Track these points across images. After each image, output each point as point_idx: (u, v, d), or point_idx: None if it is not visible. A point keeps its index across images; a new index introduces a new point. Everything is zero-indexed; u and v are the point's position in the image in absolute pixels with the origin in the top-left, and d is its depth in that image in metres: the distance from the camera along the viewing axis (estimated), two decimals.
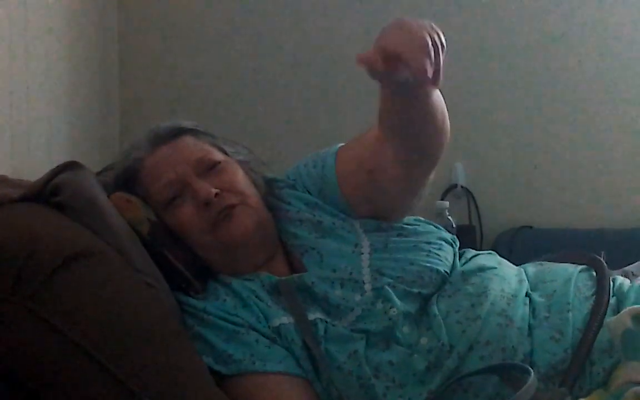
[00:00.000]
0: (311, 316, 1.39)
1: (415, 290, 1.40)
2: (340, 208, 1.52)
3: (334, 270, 1.44)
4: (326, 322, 1.39)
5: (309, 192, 1.56)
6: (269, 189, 1.58)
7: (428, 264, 1.42)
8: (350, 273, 1.43)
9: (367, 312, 1.38)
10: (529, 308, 1.38)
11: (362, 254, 1.45)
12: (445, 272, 1.43)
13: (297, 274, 1.46)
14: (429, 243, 1.48)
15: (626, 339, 1.26)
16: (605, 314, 1.33)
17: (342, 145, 1.57)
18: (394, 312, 1.37)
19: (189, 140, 1.55)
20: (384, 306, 1.38)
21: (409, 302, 1.38)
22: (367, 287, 1.41)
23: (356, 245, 1.47)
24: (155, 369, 1.21)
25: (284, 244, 1.54)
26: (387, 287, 1.39)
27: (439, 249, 1.47)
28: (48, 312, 1.17)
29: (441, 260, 1.44)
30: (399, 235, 1.49)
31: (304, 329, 1.37)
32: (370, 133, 1.48)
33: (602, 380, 1.29)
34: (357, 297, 1.40)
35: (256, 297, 1.43)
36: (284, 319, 1.39)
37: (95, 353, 1.18)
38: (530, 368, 1.24)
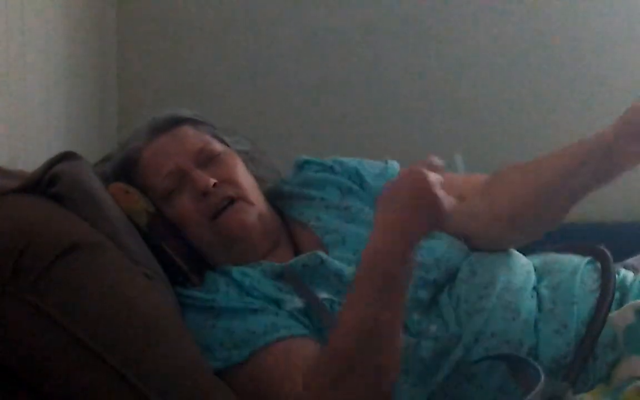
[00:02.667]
0: (319, 296, 1.37)
1: (432, 277, 1.38)
2: None
3: (354, 253, 1.42)
4: (333, 301, 1.37)
5: (351, 178, 1.55)
6: (275, 179, 1.57)
7: (447, 254, 1.41)
8: None
9: None
10: (536, 300, 1.37)
11: None
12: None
13: (307, 253, 1.44)
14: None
15: (629, 334, 1.26)
16: (609, 309, 1.32)
17: None
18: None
19: (188, 130, 1.54)
20: None
21: (423, 289, 1.37)
22: None
23: None
24: (153, 360, 1.21)
25: (290, 231, 1.53)
26: None
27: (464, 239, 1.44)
28: (45, 304, 1.17)
29: (462, 251, 1.42)
30: None
31: (319, 308, 1.35)
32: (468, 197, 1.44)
33: (605, 374, 1.28)
34: None
35: (259, 283, 1.41)
36: (297, 303, 1.37)
37: (93, 344, 1.17)
38: (540, 370, 1.21)
